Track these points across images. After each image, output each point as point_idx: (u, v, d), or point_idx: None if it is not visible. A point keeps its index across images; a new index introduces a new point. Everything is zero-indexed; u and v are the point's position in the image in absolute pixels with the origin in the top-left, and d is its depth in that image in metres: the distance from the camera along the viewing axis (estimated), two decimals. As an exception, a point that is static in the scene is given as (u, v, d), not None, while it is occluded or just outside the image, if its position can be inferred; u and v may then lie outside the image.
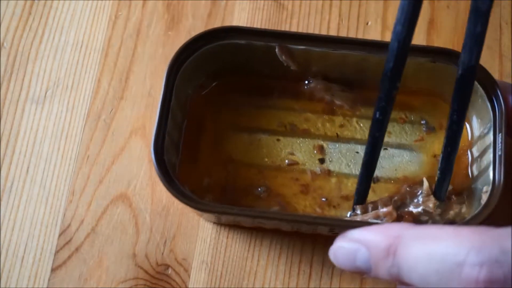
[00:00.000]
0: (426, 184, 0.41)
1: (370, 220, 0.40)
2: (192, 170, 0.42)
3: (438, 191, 0.41)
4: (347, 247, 0.32)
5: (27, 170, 0.45)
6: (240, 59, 0.43)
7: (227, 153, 0.43)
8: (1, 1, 0.50)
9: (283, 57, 0.43)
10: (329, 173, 0.43)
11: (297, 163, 0.43)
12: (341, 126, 0.44)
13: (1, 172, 0.45)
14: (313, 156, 0.43)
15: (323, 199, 0.42)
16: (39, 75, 0.48)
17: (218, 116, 0.44)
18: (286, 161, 0.43)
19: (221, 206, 0.40)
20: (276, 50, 0.43)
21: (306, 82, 0.45)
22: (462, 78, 0.34)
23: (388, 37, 0.49)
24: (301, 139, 0.44)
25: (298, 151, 0.44)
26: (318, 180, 0.43)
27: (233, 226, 0.43)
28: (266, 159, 0.43)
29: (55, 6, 0.50)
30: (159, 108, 0.39)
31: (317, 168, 0.43)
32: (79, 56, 0.48)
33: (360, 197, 0.41)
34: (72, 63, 0.48)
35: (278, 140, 0.44)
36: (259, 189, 0.42)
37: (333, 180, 0.43)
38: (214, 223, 0.43)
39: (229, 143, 0.44)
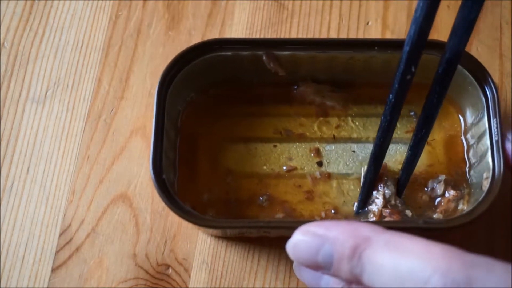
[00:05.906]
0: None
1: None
2: (191, 186, 0.42)
3: (402, 185, 0.41)
4: (310, 241, 0.31)
5: (27, 170, 0.45)
6: (228, 70, 0.43)
7: (224, 166, 0.43)
8: (2, 1, 0.50)
9: (271, 64, 0.43)
10: (329, 176, 0.43)
11: (295, 168, 0.43)
12: (338, 127, 0.44)
13: (1, 172, 0.45)
14: (310, 160, 0.43)
15: (327, 203, 0.42)
16: (40, 75, 0.48)
17: (211, 129, 0.44)
18: (284, 167, 0.43)
19: (225, 220, 0.40)
20: (264, 58, 0.43)
21: (296, 86, 0.45)
22: (449, 62, 0.34)
23: (388, 37, 0.49)
24: (297, 143, 0.44)
25: (296, 156, 0.44)
26: (320, 185, 0.43)
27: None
28: (265, 167, 0.43)
29: (56, 6, 0.50)
30: (153, 127, 0.39)
31: (316, 172, 0.43)
32: (79, 56, 0.48)
33: (363, 203, 0.41)
34: (72, 63, 0.48)
35: (274, 146, 0.44)
36: (261, 198, 0.42)
37: (334, 183, 0.43)
38: (218, 236, 0.43)
39: (225, 155, 0.43)
